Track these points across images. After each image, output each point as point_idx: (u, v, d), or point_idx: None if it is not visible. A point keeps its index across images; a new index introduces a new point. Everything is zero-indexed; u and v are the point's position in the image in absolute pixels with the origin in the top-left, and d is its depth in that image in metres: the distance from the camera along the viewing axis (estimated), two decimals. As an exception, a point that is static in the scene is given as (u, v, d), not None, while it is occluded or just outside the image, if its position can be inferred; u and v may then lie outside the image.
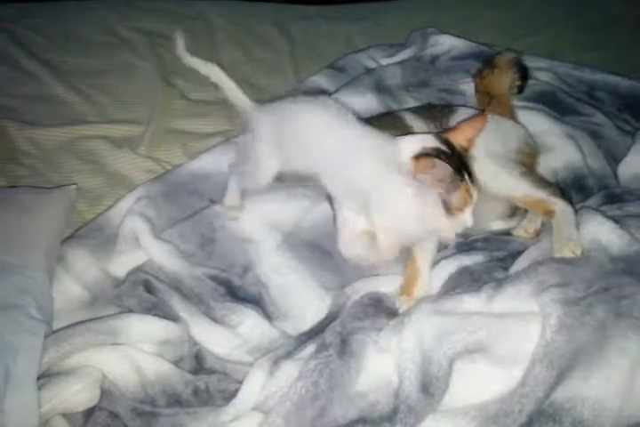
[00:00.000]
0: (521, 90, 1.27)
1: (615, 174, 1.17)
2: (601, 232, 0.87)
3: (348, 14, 1.77)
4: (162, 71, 1.43)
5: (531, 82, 1.35)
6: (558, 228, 0.93)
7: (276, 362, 0.86)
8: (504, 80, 1.24)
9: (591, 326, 0.75)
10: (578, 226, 0.92)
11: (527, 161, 1.10)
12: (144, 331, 0.89)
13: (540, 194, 1.01)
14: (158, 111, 1.31)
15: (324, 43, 1.65)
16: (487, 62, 1.28)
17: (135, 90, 1.37)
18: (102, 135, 1.24)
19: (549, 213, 0.98)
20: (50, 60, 1.41)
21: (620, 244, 0.85)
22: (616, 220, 0.90)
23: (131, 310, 0.94)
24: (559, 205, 0.98)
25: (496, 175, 1.01)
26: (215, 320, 0.94)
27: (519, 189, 1.02)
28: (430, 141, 0.89)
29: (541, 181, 1.04)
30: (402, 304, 0.94)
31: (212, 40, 1.57)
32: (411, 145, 0.89)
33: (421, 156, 0.86)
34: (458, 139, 0.91)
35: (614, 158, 1.20)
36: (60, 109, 1.30)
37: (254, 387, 0.83)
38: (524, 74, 1.26)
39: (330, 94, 1.30)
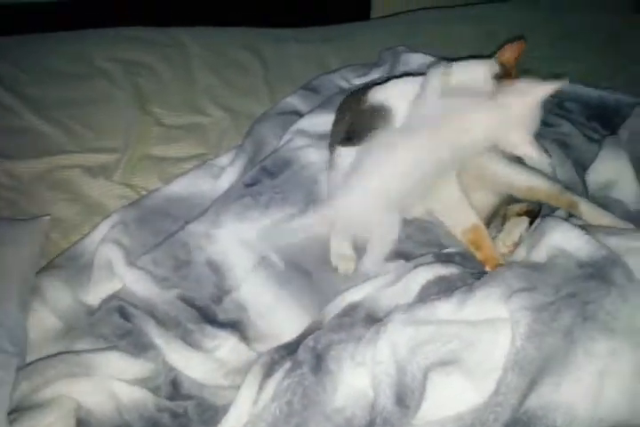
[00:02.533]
0: None
1: (584, 183, 1.19)
2: (568, 239, 0.88)
3: (321, 36, 1.80)
4: (138, 99, 1.45)
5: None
6: (591, 218, 1.03)
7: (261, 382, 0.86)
8: None
9: (559, 332, 0.76)
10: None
11: (521, 159, 1.14)
12: (118, 366, 0.89)
13: (557, 186, 1.08)
14: (134, 138, 1.33)
15: (297, 65, 1.67)
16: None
17: (112, 119, 1.39)
18: (78, 164, 1.26)
19: (573, 205, 1.05)
20: (27, 93, 1.43)
21: (587, 249, 0.86)
22: (583, 227, 0.92)
23: (105, 339, 0.93)
24: (577, 197, 1.06)
25: (515, 170, 1.09)
26: (192, 345, 0.94)
27: (540, 182, 1.09)
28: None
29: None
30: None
31: (188, 66, 1.59)
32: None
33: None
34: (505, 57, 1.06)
35: (583, 167, 1.22)
36: (37, 141, 1.31)
37: (240, 409, 0.83)
38: None
39: (302, 115, 1.33)
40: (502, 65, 1.04)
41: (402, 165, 0.97)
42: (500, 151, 1.08)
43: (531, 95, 0.97)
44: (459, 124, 0.97)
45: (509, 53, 1.07)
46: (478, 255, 1.03)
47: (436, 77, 1.03)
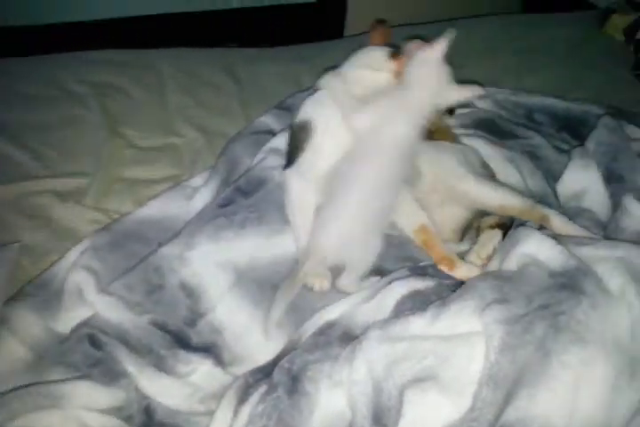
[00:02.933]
0: (451, 112, 1.32)
1: (555, 193, 1.20)
2: (539, 248, 0.89)
3: (295, 55, 1.82)
4: (109, 121, 1.44)
5: (470, 110, 1.40)
6: (562, 231, 1.04)
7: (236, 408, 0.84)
8: None
9: (532, 344, 0.76)
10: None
11: (493, 174, 1.17)
12: (89, 396, 0.87)
13: (528, 201, 1.09)
14: (105, 161, 1.32)
15: (272, 84, 1.68)
16: None
17: (83, 142, 1.37)
18: (49, 189, 1.24)
19: (545, 219, 1.06)
20: (-4, 118, 1.42)
21: (559, 259, 0.86)
22: (554, 237, 0.93)
23: (76, 368, 0.91)
24: (549, 210, 1.07)
25: (486, 189, 1.10)
26: (166, 371, 0.92)
27: (511, 198, 1.09)
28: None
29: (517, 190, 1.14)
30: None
31: (161, 87, 1.60)
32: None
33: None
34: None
35: (554, 178, 1.23)
36: (6, 167, 1.30)
37: None
38: None
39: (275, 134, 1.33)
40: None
41: (368, 193, 0.99)
42: (468, 168, 1.10)
43: (428, 60, 1.06)
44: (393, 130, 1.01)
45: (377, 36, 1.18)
46: (432, 256, 1.04)
47: (340, 91, 1.06)
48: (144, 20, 2.43)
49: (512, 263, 0.91)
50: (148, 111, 1.51)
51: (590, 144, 1.21)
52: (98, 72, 1.61)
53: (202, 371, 0.94)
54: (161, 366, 0.93)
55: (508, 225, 1.12)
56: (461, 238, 1.16)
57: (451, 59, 1.76)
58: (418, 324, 0.84)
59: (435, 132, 1.26)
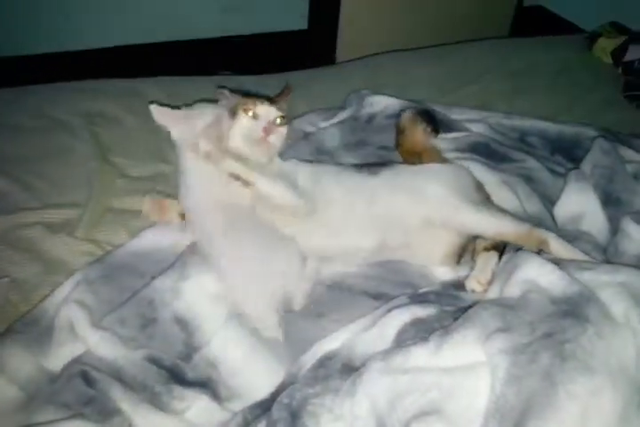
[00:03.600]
0: (437, 131, 1.34)
1: (552, 217, 1.19)
2: (540, 274, 0.88)
3: (287, 81, 1.82)
4: (99, 150, 1.43)
5: (463, 134, 1.41)
6: (559, 255, 1.03)
7: None
8: (418, 135, 1.30)
9: (538, 374, 0.74)
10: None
11: (487, 196, 1.16)
12: None
13: (526, 226, 1.08)
14: (97, 191, 1.29)
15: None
16: (396, 130, 1.34)
17: (73, 172, 1.35)
18: (39, 222, 1.21)
19: (544, 243, 1.05)
20: (-16, 150, 1.40)
21: (560, 285, 0.85)
22: (555, 261, 0.91)
23: (68, 407, 0.88)
24: (547, 234, 1.07)
25: (482, 217, 1.09)
26: (161, 408, 0.89)
27: (508, 225, 1.08)
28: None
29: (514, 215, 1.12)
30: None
31: (151, 115, 1.59)
32: None
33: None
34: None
35: (550, 201, 1.23)
36: (-5, 199, 1.27)
37: None
38: (429, 118, 1.33)
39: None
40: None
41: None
42: (461, 195, 1.11)
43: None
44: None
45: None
46: None
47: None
48: (135, 48, 2.46)
49: (513, 289, 0.90)
50: (139, 140, 1.50)
51: (586, 167, 1.22)
52: (87, 101, 1.60)
53: (198, 407, 0.90)
54: (156, 402, 0.90)
55: (502, 246, 1.12)
56: (458, 262, 1.15)
57: (442, 82, 1.81)
58: (420, 354, 0.82)
59: (422, 154, 1.26)
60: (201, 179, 1.09)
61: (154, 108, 1.11)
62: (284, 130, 1.13)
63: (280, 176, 1.11)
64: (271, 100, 1.17)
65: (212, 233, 1.05)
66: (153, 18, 2.47)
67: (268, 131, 1.08)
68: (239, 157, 1.08)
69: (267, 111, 1.12)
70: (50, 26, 2.35)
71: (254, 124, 1.10)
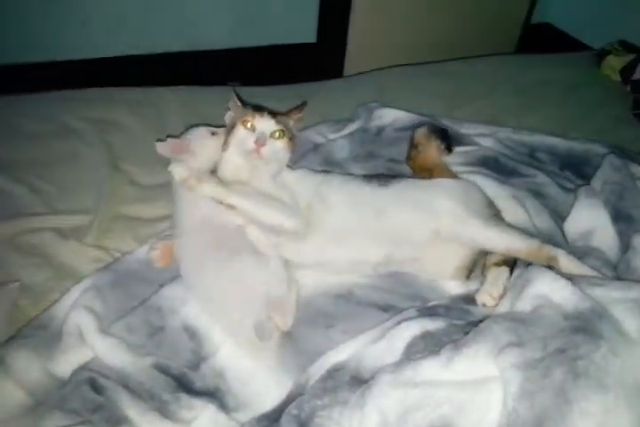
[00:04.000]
0: (450, 149, 1.34)
1: (562, 232, 1.19)
2: (553, 289, 0.87)
3: (297, 93, 1.82)
4: (110, 158, 1.44)
5: (473, 148, 1.41)
6: (569, 272, 1.01)
7: None
8: (431, 152, 1.31)
9: (551, 390, 0.74)
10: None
11: (497, 212, 1.16)
12: None
13: (535, 242, 1.07)
14: (106, 198, 1.30)
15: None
16: (409, 144, 1.34)
17: (83, 179, 1.36)
18: (49, 227, 1.22)
19: (553, 260, 1.04)
20: (-4, 155, 1.41)
21: (572, 300, 0.85)
22: (567, 277, 0.91)
23: (76, 414, 0.87)
24: (557, 251, 1.06)
25: (492, 233, 1.09)
26: (168, 416, 0.89)
27: (518, 240, 1.08)
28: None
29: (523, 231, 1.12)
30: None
31: (163, 124, 1.60)
32: None
33: None
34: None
35: (560, 216, 1.23)
36: (5, 203, 1.28)
37: None
38: (443, 136, 1.33)
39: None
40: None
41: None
42: (471, 210, 1.11)
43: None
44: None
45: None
46: None
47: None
48: (146, 58, 2.48)
49: (524, 304, 0.89)
50: (149, 148, 1.48)
51: (596, 183, 1.21)
52: (99, 109, 1.61)
53: (205, 417, 0.90)
54: (163, 411, 0.90)
55: (512, 262, 1.11)
56: (468, 277, 1.14)
57: (450, 96, 1.82)
58: (431, 368, 0.82)
59: (433, 170, 1.26)
60: (189, 202, 1.11)
61: (158, 143, 1.16)
62: (280, 143, 1.13)
63: (281, 189, 1.12)
64: (276, 114, 1.18)
65: (199, 253, 1.05)
66: (166, 28, 2.49)
67: (259, 143, 1.10)
68: (222, 181, 1.11)
69: (264, 124, 1.13)
70: (64, 34, 2.37)
71: (249, 136, 1.11)
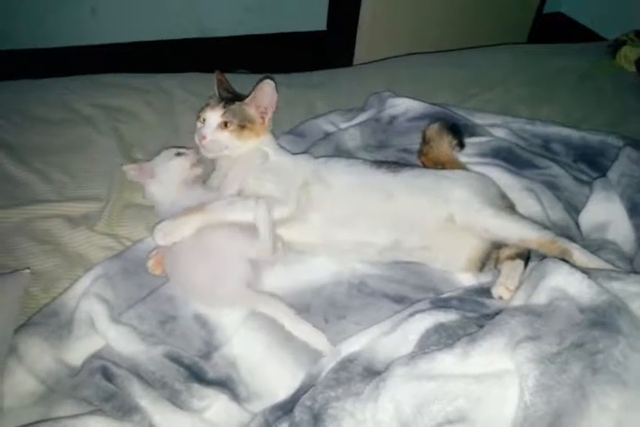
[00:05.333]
0: (462, 145, 1.33)
1: (577, 225, 1.18)
2: (569, 282, 0.86)
3: (308, 81, 1.82)
4: (121, 145, 1.42)
5: (486, 138, 1.40)
6: (582, 265, 0.99)
7: None
8: (444, 147, 1.30)
9: (569, 385, 0.73)
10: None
11: (511, 205, 1.15)
12: None
13: (549, 234, 1.06)
14: (117, 186, 1.29)
15: (285, 109, 1.65)
16: (422, 139, 1.33)
17: (94, 166, 1.35)
18: (59, 214, 1.21)
19: (566, 253, 1.03)
20: (6, 140, 1.40)
21: (589, 294, 0.84)
22: (584, 270, 0.90)
23: (88, 402, 0.87)
24: (570, 244, 1.04)
25: (506, 222, 1.08)
26: (179, 405, 0.88)
27: (531, 232, 1.07)
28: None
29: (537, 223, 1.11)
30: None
31: (172, 112, 1.59)
32: None
33: None
34: None
35: (574, 209, 1.22)
36: (17, 189, 1.27)
37: None
38: (455, 132, 1.32)
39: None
40: None
41: None
42: (486, 200, 1.10)
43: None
44: None
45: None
46: None
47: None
48: (155, 45, 2.47)
49: (540, 297, 0.88)
50: (160, 135, 1.49)
51: (613, 175, 1.20)
52: (109, 96, 1.60)
53: (217, 406, 0.89)
54: (175, 400, 0.89)
55: (526, 255, 1.10)
56: (481, 269, 1.13)
57: (462, 86, 1.79)
58: (446, 361, 0.81)
59: (446, 165, 1.25)
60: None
61: (125, 168, 1.20)
62: (224, 133, 1.17)
63: (267, 174, 1.15)
64: (231, 100, 1.21)
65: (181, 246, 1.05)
66: (176, 15, 2.48)
67: (199, 136, 1.17)
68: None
69: (211, 117, 1.18)
70: (74, 20, 2.36)
71: (199, 129, 1.19)
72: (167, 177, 1.17)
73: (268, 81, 1.20)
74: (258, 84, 1.22)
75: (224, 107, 1.18)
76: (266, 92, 1.21)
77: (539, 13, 2.85)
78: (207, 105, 1.21)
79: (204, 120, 1.18)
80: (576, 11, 2.91)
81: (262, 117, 1.22)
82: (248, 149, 1.19)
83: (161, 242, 1.04)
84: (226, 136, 1.17)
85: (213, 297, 1.02)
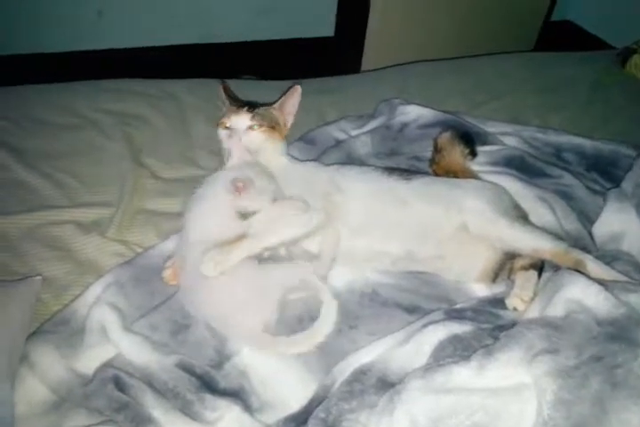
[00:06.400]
0: (474, 154, 1.32)
1: (591, 235, 1.17)
2: (586, 294, 0.86)
3: (319, 87, 1.81)
4: (131, 151, 1.42)
5: (498, 147, 1.39)
6: (597, 275, 0.99)
7: None
8: (455, 156, 1.29)
9: (588, 400, 0.72)
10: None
11: (525, 215, 1.15)
12: None
13: (562, 244, 1.05)
14: (128, 192, 1.28)
15: (296, 115, 1.66)
16: (433, 148, 1.32)
17: (104, 171, 1.35)
18: (70, 220, 1.20)
19: (580, 264, 1.02)
20: (16, 145, 1.40)
21: (606, 306, 0.83)
22: (601, 282, 0.89)
23: (100, 412, 0.86)
24: (584, 255, 1.04)
25: (519, 233, 1.07)
26: (192, 416, 0.87)
27: (545, 242, 1.06)
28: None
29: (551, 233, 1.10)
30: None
31: (182, 117, 1.59)
32: None
33: None
34: None
35: (587, 219, 1.21)
36: (26, 195, 1.26)
37: None
38: (467, 140, 1.32)
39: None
40: None
41: None
42: (499, 210, 1.09)
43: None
44: None
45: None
46: None
47: None
48: (161, 50, 2.47)
49: (557, 309, 0.88)
50: (170, 141, 1.49)
51: (627, 185, 1.19)
52: (118, 101, 1.60)
53: (229, 418, 0.88)
54: (187, 411, 0.88)
55: (540, 266, 1.09)
56: (494, 279, 1.13)
57: (472, 94, 1.79)
58: (463, 374, 0.80)
59: (457, 175, 1.25)
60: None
61: None
62: (255, 133, 1.16)
63: (294, 184, 1.13)
64: (257, 107, 1.20)
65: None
66: (182, 20, 2.48)
67: (234, 138, 1.14)
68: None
69: (239, 121, 1.16)
70: (79, 24, 2.36)
71: (227, 136, 1.16)
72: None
73: (298, 87, 1.21)
74: (288, 89, 1.23)
75: (249, 111, 1.17)
76: (295, 98, 1.22)
77: (546, 21, 2.85)
78: (228, 111, 1.20)
79: (227, 127, 1.17)
80: (584, 18, 2.91)
81: (284, 123, 1.23)
82: (271, 153, 1.18)
83: (211, 273, 0.98)
84: (258, 136, 1.16)
85: (224, 328, 1.00)
